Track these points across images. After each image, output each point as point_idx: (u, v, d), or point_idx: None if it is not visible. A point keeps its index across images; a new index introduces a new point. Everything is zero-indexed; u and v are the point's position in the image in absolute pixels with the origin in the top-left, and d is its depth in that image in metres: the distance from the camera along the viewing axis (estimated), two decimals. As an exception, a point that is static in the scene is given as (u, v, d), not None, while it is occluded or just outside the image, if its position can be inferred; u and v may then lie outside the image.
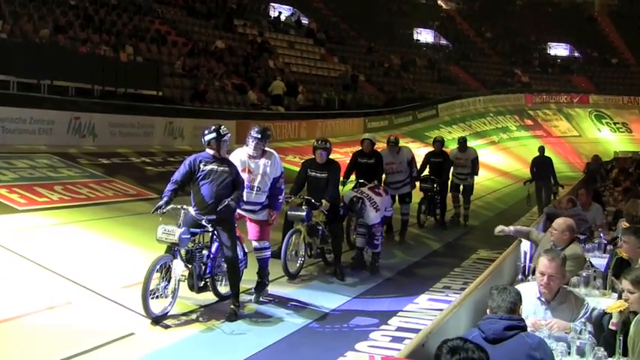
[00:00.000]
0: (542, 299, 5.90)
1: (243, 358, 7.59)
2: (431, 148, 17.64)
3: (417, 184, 16.04)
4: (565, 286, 6.19)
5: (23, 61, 17.78)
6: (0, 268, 9.15)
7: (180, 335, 8.12)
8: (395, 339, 8.39)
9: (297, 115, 27.00)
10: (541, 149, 20.59)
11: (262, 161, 9.74)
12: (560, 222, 7.99)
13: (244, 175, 9.59)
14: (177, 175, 8.84)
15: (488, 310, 5.00)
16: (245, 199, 9.53)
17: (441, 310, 9.12)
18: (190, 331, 8.28)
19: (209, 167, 8.74)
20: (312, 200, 11.02)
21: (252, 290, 9.86)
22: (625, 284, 5.45)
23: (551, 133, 43.18)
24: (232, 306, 8.86)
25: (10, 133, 15.49)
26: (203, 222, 8.72)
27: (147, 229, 12.08)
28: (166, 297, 8.38)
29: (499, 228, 8.99)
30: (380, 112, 32.99)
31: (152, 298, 8.14)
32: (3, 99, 15.94)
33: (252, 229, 9.95)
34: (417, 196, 16.37)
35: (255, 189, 9.70)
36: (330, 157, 11.55)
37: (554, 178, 19.59)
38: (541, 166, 19.71)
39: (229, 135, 8.96)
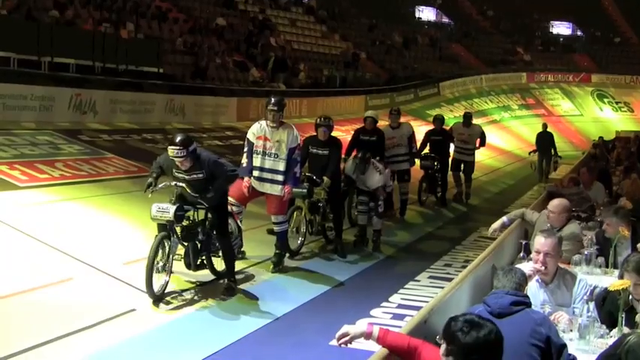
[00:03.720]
0: (540, 281, 5.87)
1: (244, 334, 7.63)
2: (432, 126, 17.63)
3: (418, 162, 16.03)
4: (562, 267, 6.15)
5: (23, 37, 17.70)
6: (1, 244, 9.15)
7: (181, 311, 8.16)
8: (396, 316, 8.43)
9: (299, 93, 26.93)
10: (544, 125, 24.70)
11: (280, 130, 10.02)
12: (555, 203, 7.93)
13: (259, 142, 10.05)
14: (158, 160, 8.92)
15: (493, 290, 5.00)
16: (259, 165, 10.04)
17: (442, 287, 9.17)
18: (191, 308, 8.31)
19: (179, 175, 8.62)
20: (314, 177, 11.02)
21: (271, 261, 10.15)
22: (633, 277, 5.29)
23: (553, 112, 43.07)
24: (228, 281, 8.95)
25: (11, 110, 15.43)
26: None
27: (148, 206, 12.13)
28: (163, 275, 8.38)
29: (491, 229, 8.85)
30: (381, 90, 32.87)
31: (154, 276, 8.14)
32: (3, 75, 15.87)
33: (270, 204, 10.21)
34: (417, 174, 16.35)
35: (273, 155, 10.03)
36: (332, 134, 11.56)
37: (554, 149, 23.17)
38: (543, 139, 23.30)
39: (182, 150, 8.27)
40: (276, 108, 9.99)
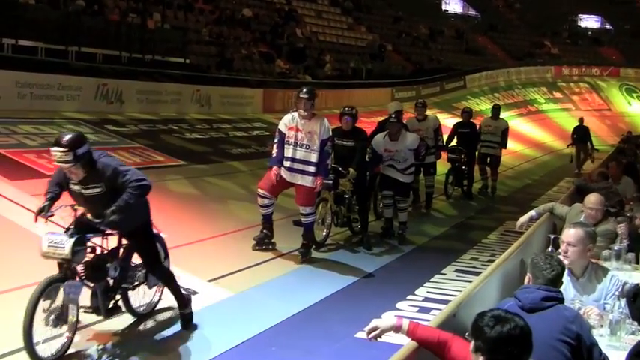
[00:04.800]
0: (571, 274, 5.79)
1: (271, 324, 7.61)
2: (458, 119, 17.52)
3: (444, 154, 15.93)
4: (594, 261, 6.07)
5: (51, 27, 17.79)
6: (28, 232, 9.17)
7: (209, 300, 8.15)
8: (422, 309, 8.36)
9: (324, 85, 26.86)
10: (581, 120, 25.85)
11: (312, 121, 10.08)
12: (595, 200, 7.83)
13: (291, 133, 10.07)
14: (54, 177, 6.84)
15: (527, 276, 4.93)
16: (290, 155, 10.07)
17: (469, 281, 9.12)
18: (219, 296, 8.29)
19: (75, 189, 6.53)
20: (339, 169, 10.98)
21: (298, 252, 10.17)
22: None
23: (580, 106, 42.71)
24: (184, 312, 7.36)
25: (39, 99, 15.56)
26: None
27: (173, 197, 12.18)
28: (62, 332, 6.35)
29: (519, 223, 8.77)
30: (407, 82, 32.78)
31: (42, 336, 6.15)
32: (31, 65, 16.01)
33: (299, 195, 10.23)
34: (443, 167, 16.26)
35: (305, 147, 10.07)
36: (357, 125, 11.51)
37: (590, 142, 24.29)
38: (579, 133, 24.40)
39: (68, 153, 6.17)
40: (307, 96, 10.05)
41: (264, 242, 10.33)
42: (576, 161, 23.95)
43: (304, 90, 10.17)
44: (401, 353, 4.08)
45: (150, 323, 7.38)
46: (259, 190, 10.27)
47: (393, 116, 12.33)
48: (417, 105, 15.26)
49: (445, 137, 15.98)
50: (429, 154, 14.67)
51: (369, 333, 4.34)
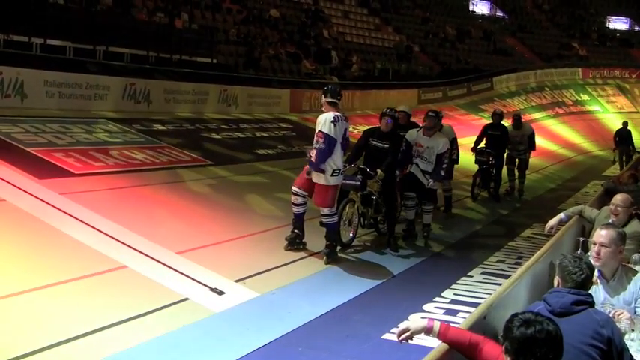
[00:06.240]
0: (601, 277, 5.72)
1: (297, 325, 7.58)
2: (485, 121, 17.39)
3: (472, 156, 15.83)
4: (624, 264, 5.99)
5: (79, 27, 17.88)
6: (56, 231, 9.23)
7: (236, 300, 8.13)
8: (449, 311, 8.31)
9: (351, 86, 26.83)
10: (624, 123, 27.24)
11: None
12: (621, 198, 7.73)
13: None
14: None
15: (557, 279, 4.86)
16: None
17: (496, 283, 9.08)
18: (247, 296, 8.28)
19: None
20: (367, 170, 10.93)
21: (322, 253, 10.10)
22: None
23: (608, 108, 42.36)
24: None
25: (67, 98, 15.63)
26: None
27: (200, 196, 12.20)
28: None
29: (548, 226, 8.67)
30: (434, 83, 32.67)
31: None
32: (60, 64, 16.08)
33: (315, 195, 10.13)
34: (471, 169, 16.17)
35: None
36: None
37: (632, 145, 26.05)
38: (622, 136, 26.11)
39: None
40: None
41: (296, 242, 10.30)
42: (620, 163, 25.05)
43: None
44: (432, 355, 4.05)
45: (170, 324, 7.39)
46: (294, 187, 10.22)
47: (433, 112, 12.36)
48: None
49: (474, 138, 15.86)
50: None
51: (399, 335, 4.32)
